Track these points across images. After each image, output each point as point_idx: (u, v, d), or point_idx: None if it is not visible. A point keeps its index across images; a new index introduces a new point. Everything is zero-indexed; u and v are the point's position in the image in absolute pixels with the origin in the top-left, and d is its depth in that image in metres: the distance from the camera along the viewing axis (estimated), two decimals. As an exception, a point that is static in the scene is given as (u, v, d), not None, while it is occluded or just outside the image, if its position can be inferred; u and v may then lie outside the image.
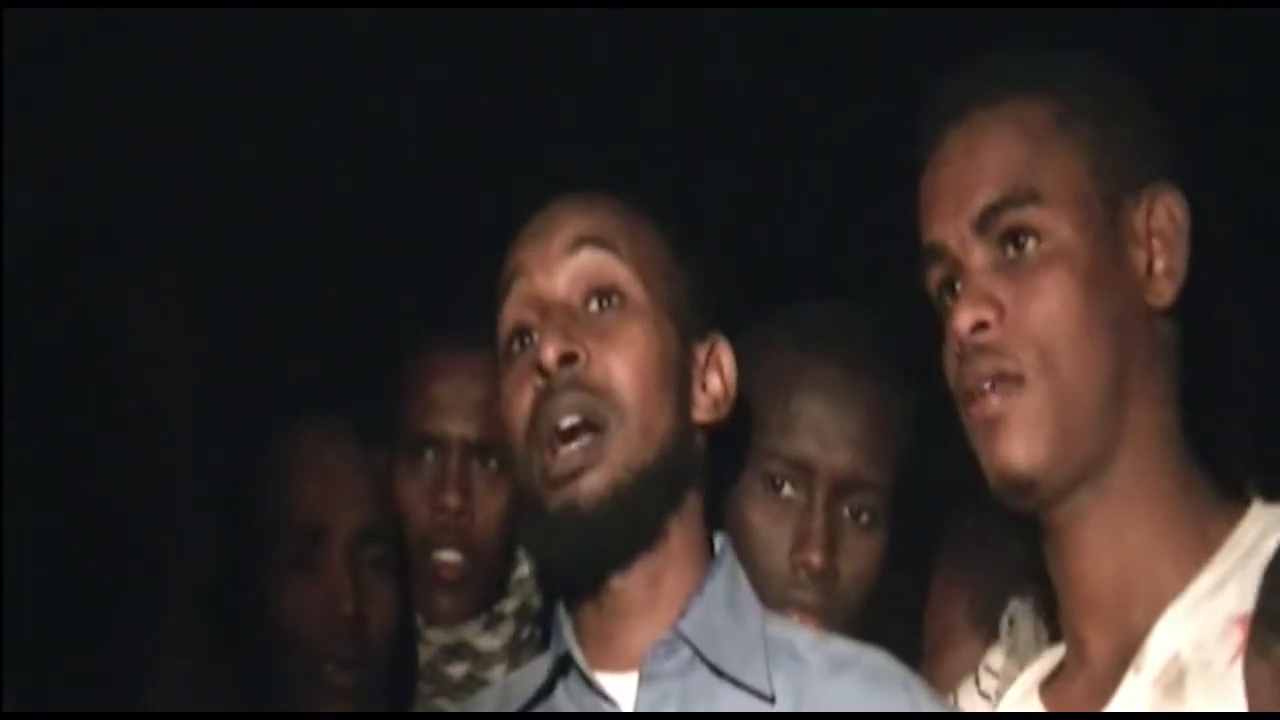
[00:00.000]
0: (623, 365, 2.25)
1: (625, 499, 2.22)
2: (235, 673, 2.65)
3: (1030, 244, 1.96)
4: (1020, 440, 1.95)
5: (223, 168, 3.27)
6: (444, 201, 3.52)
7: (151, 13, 3.09)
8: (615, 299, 2.28)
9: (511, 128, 3.54)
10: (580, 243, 2.29)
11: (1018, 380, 1.96)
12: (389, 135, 3.56)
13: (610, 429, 2.22)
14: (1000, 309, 1.97)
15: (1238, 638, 1.84)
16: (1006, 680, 2.48)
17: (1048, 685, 2.04)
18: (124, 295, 2.61)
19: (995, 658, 2.50)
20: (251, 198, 3.34)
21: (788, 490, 2.54)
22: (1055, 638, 2.31)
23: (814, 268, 3.38)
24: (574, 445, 2.22)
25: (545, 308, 2.27)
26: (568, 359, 2.23)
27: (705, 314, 2.36)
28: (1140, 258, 1.96)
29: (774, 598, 2.45)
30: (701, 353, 2.33)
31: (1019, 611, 2.48)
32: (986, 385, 1.98)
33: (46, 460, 2.45)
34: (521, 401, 2.26)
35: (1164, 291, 1.94)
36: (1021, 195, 1.96)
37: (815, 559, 2.51)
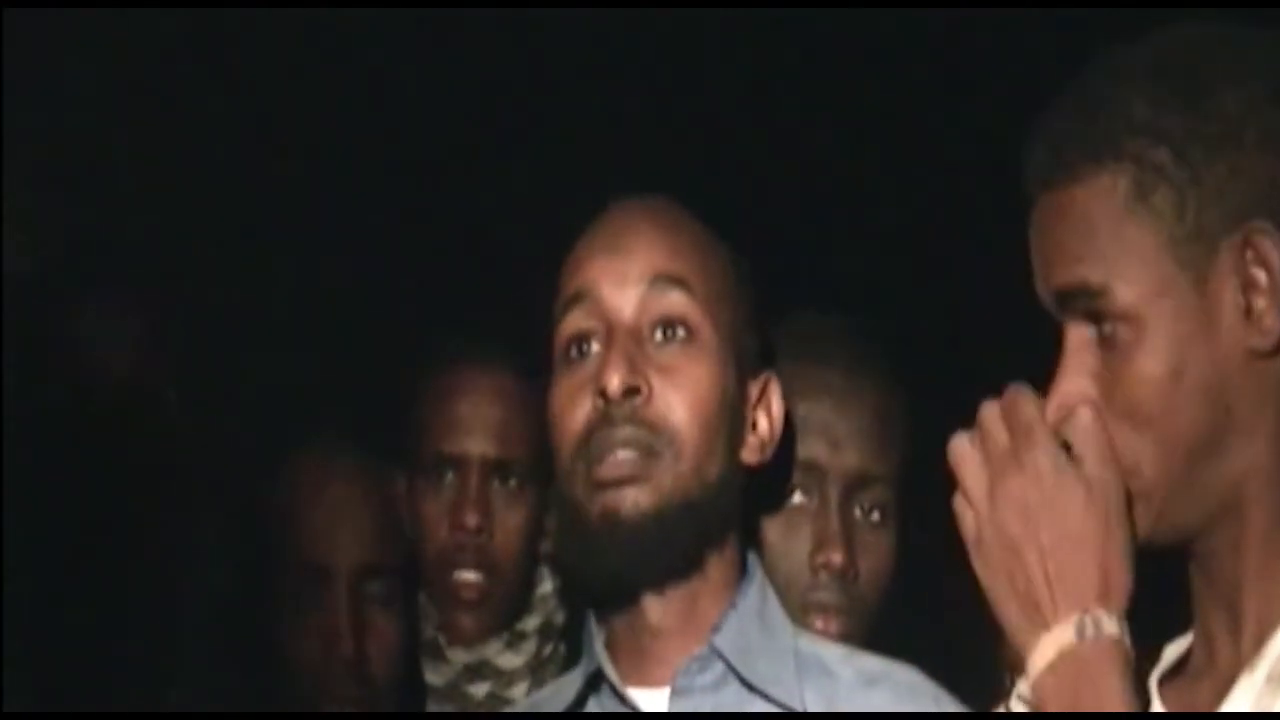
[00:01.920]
0: (683, 404, 2.23)
1: (668, 524, 2.21)
2: (241, 692, 2.66)
3: (1117, 327, 1.93)
4: (1141, 513, 1.93)
5: (233, 180, 3.26)
6: (463, 219, 3.51)
7: (154, 13, 3.08)
8: (682, 332, 2.26)
9: (534, 143, 3.53)
10: (656, 278, 2.27)
11: (1135, 455, 1.93)
12: (406, 149, 3.55)
13: (665, 459, 2.21)
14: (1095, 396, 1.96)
15: None
16: None
17: (1169, 682, 2.00)
18: (126, 315, 2.61)
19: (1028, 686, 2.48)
20: (265, 215, 3.34)
21: (799, 496, 2.55)
22: None
23: (808, 277, 3.38)
24: (626, 455, 2.21)
25: (610, 327, 2.26)
26: (630, 391, 2.22)
27: (761, 349, 2.36)
28: (1238, 302, 1.92)
29: (795, 602, 2.46)
30: (754, 389, 2.33)
31: None
32: None
33: (50, 481, 2.46)
34: (575, 416, 2.24)
35: (1269, 331, 1.91)
36: (1094, 289, 1.93)
37: (836, 558, 2.52)
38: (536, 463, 2.87)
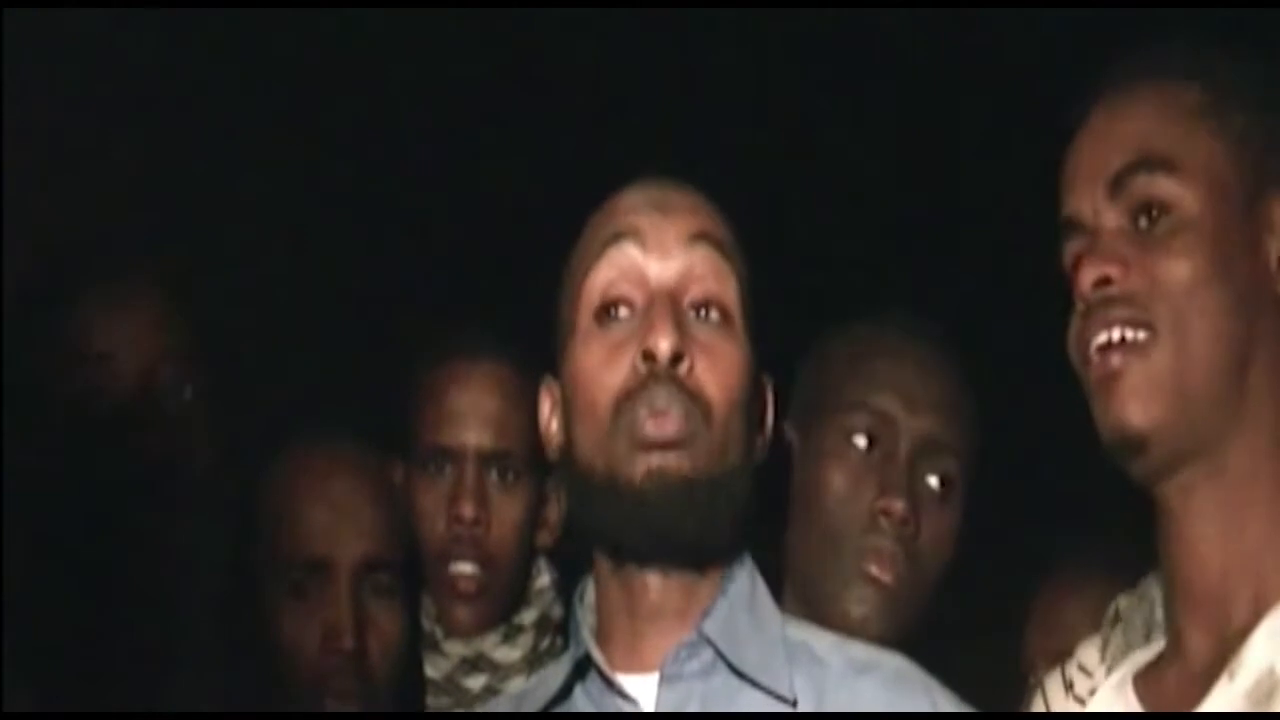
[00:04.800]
0: (719, 384, 2.21)
1: (705, 494, 2.18)
2: (241, 689, 2.65)
3: (1162, 219, 1.95)
4: (1139, 397, 1.93)
5: (231, 177, 3.26)
6: (457, 211, 3.51)
7: (155, 13, 3.08)
8: (717, 313, 2.24)
9: (531, 139, 3.53)
10: (701, 237, 2.25)
11: (1148, 329, 1.94)
12: (402, 142, 3.55)
13: (703, 431, 2.18)
14: (1127, 266, 1.95)
15: None
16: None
17: (1142, 676, 2.01)
18: (124, 306, 2.61)
19: (1090, 653, 2.48)
20: (263, 212, 3.34)
21: (865, 443, 2.57)
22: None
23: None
24: (674, 421, 2.17)
25: (652, 293, 2.22)
26: (677, 358, 2.19)
27: (769, 352, 2.34)
28: (1274, 248, 1.95)
29: (851, 549, 2.51)
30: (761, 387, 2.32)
31: (1130, 608, 2.48)
32: (1115, 334, 1.96)
33: (49, 474, 2.46)
34: (613, 376, 2.20)
35: None
36: (1156, 161, 1.96)
37: (899, 505, 2.53)
38: (533, 454, 2.84)
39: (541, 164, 3.45)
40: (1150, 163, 1.96)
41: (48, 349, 2.60)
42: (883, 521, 2.53)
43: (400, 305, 3.38)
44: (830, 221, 3.55)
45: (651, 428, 2.17)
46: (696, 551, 2.21)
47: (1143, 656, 2.04)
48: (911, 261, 3.51)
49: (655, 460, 2.17)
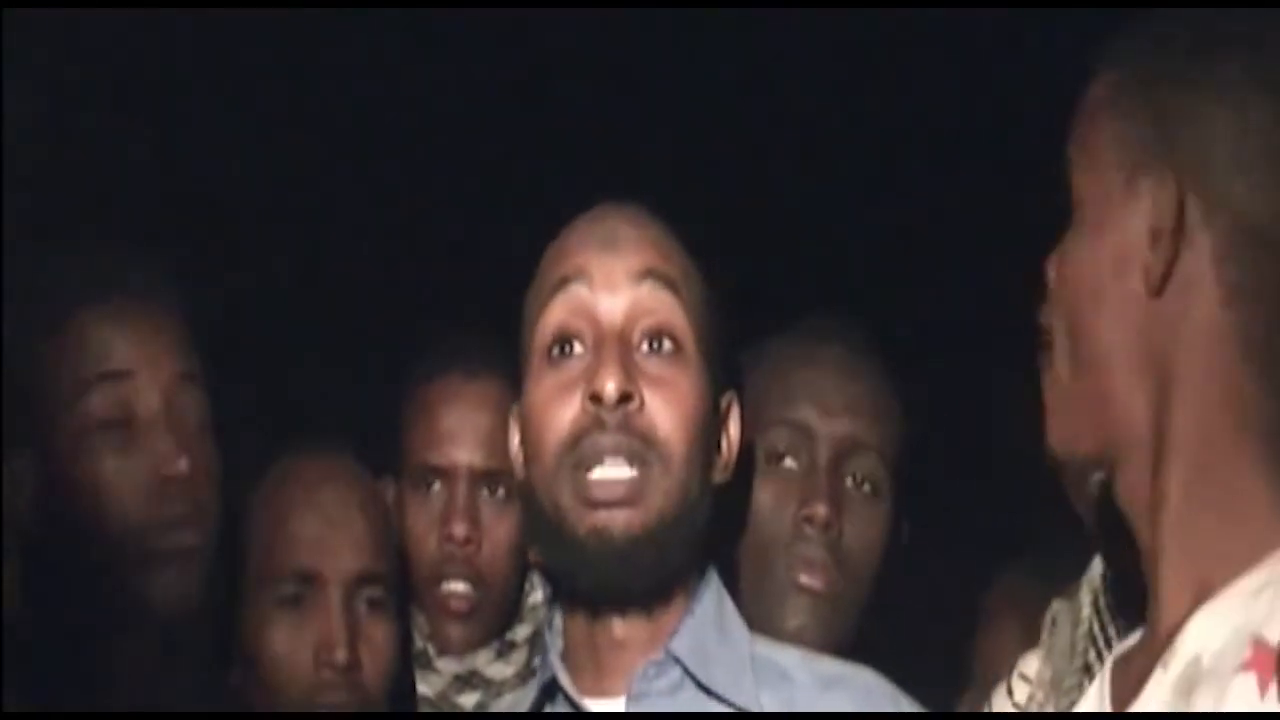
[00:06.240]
0: (672, 420, 2.22)
1: (656, 545, 2.20)
2: (234, 702, 2.66)
3: (1077, 214, 1.95)
4: (1050, 415, 1.93)
5: (225, 189, 3.26)
6: (449, 229, 3.52)
7: (155, 14, 3.10)
8: (669, 345, 2.25)
9: (521, 154, 3.54)
10: (648, 274, 2.26)
11: (1048, 340, 1.94)
12: (396, 161, 3.56)
13: (655, 476, 2.20)
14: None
15: (1246, 654, 1.74)
16: (1041, 686, 2.47)
17: (1120, 660, 1.99)
18: (116, 316, 2.61)
19: (1030, 662, 2.50)
20: (255, 223, 3.34)
21: (789, 461, 2.58)
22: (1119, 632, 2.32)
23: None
24: (619, 473, 2.20)
25: (601, 331, 2.24)
26: (625, 398, 2.20)
27: (729, 367, 2.36)
28: (1141, 224, 1.91)
29: (779, 561, 2.52)
30: (721, 406, 2.33)
31: (1061, 612, 2.50)
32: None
33: (45, 486, 2.47)
34: (560, 417, 2.22)
35: (1152, 273, 1.88)
36: (1068, 160, 1.96)
37: (821, 509, 2.54)
38: (525, 472, 2.90)
39: (534, 182, 3.46)
40: (1068, 164, 1.96)
41: (58, 363, 2.60)
42: (807, 529, 2.54)
43: (389, 320, 3.38)
44: (795, 223, 3.57)
45: (598, 487, 2.19)
46: (648, 593, 2.23)
47: (1131, 641, 2.03)
48: (877, 262, 3.52)
49: (601, 518, 2.19)
